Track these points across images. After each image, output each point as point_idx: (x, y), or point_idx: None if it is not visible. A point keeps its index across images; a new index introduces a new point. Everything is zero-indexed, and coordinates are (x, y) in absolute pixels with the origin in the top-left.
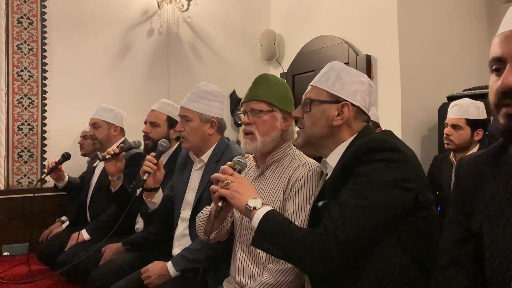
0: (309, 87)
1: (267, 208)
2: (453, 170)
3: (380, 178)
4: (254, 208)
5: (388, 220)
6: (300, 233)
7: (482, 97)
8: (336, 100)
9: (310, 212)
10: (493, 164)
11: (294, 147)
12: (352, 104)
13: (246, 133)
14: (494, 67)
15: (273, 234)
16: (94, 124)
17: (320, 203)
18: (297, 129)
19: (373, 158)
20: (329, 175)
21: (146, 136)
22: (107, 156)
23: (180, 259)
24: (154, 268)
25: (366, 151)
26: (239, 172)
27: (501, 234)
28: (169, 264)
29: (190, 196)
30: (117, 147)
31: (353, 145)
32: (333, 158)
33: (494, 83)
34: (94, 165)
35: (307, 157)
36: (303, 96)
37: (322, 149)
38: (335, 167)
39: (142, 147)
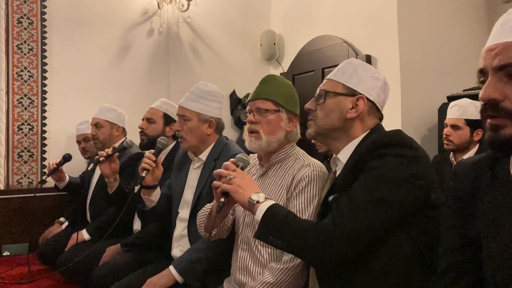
0: (324, 80)
1: (271, 202)
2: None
3: (392, 173)
4: (257, 202)
5: (397, 215)
6: (305, 224)
7: None
8: (352, 93)
9: (316, 210)
10: (489, 172)
11: (297, 147)
12: (368, 99)
13: (251, 132)
14: (481, 79)
15: (277, 226)
16: (97, 124)
17: (331, 197)
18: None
19: (385, 153)
20: (338, 172)
21: (142, 132)
22: (101, 159)
23: (181, 262)
24: (154, 277)
25: (379, 146)
26: (242, 169)
27: (500, 243)
28: (171, 267)
29: (188, 195)
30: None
31: (365, 141)
32: (344, 155)
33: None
34: (89, 168)
35: (311, 157)
36: (318, 89)
37: (333, 141)
38: (347, 162)
39: (138, 143)
